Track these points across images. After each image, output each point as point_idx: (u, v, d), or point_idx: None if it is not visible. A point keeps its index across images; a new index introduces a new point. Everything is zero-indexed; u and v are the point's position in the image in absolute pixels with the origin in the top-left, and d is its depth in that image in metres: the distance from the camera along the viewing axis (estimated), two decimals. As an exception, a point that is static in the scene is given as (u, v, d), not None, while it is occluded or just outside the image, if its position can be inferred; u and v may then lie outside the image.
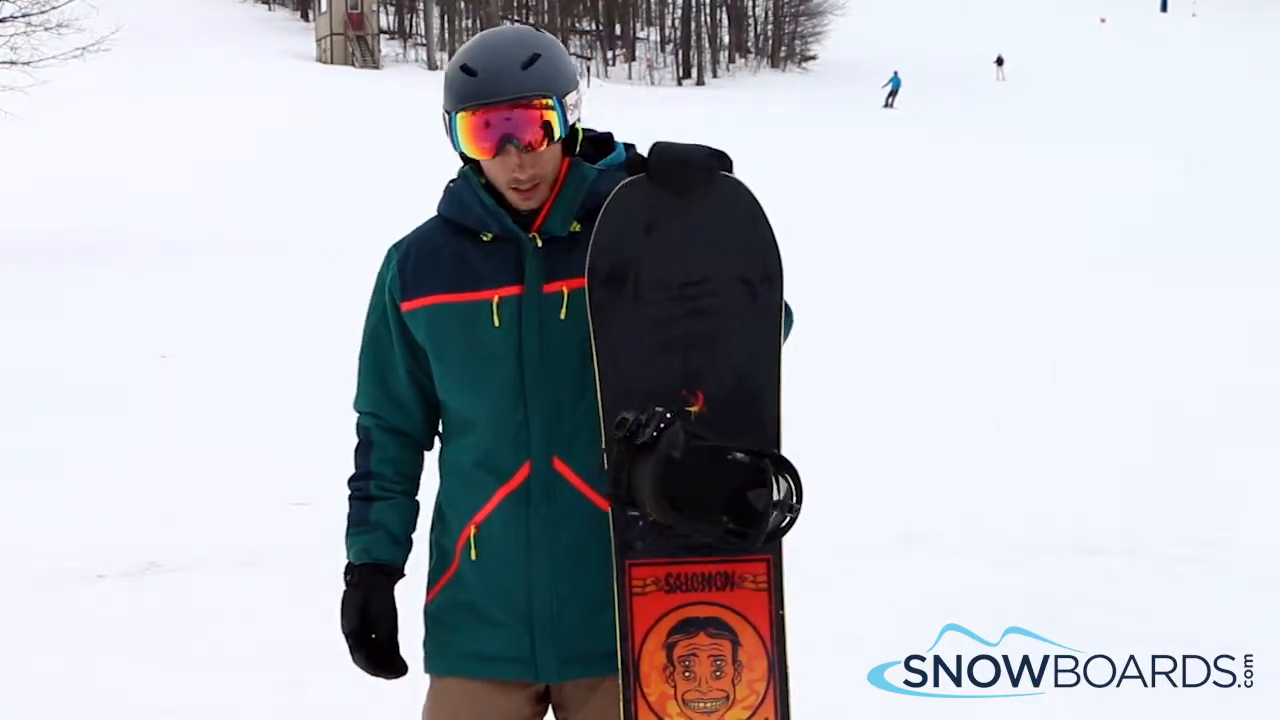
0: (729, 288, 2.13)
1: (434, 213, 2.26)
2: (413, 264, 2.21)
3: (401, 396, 2.26)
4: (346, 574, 2.26)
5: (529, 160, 2.09)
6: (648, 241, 2.11)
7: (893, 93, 41.71)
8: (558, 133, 2.09)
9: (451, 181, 2.23)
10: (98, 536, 5.65)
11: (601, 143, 2.26)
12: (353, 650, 2.22)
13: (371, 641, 2.22)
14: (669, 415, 1.97)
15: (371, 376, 2.29)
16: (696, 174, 2.11)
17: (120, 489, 6.49)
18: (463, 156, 2.18)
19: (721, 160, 2.13)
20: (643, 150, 2.21)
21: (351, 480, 2.30)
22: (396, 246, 2.25)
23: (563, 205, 2.15)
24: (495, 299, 2.14)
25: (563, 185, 2.15)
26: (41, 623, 4.71)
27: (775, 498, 1.97)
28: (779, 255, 2.16)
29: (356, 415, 2.34)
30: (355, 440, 2.32)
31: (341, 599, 2.24)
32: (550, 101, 2.08)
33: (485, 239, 2.17)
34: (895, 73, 42.97)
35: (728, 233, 2.13)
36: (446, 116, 2.12)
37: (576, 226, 2.14)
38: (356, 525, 2.27)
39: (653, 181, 2.10)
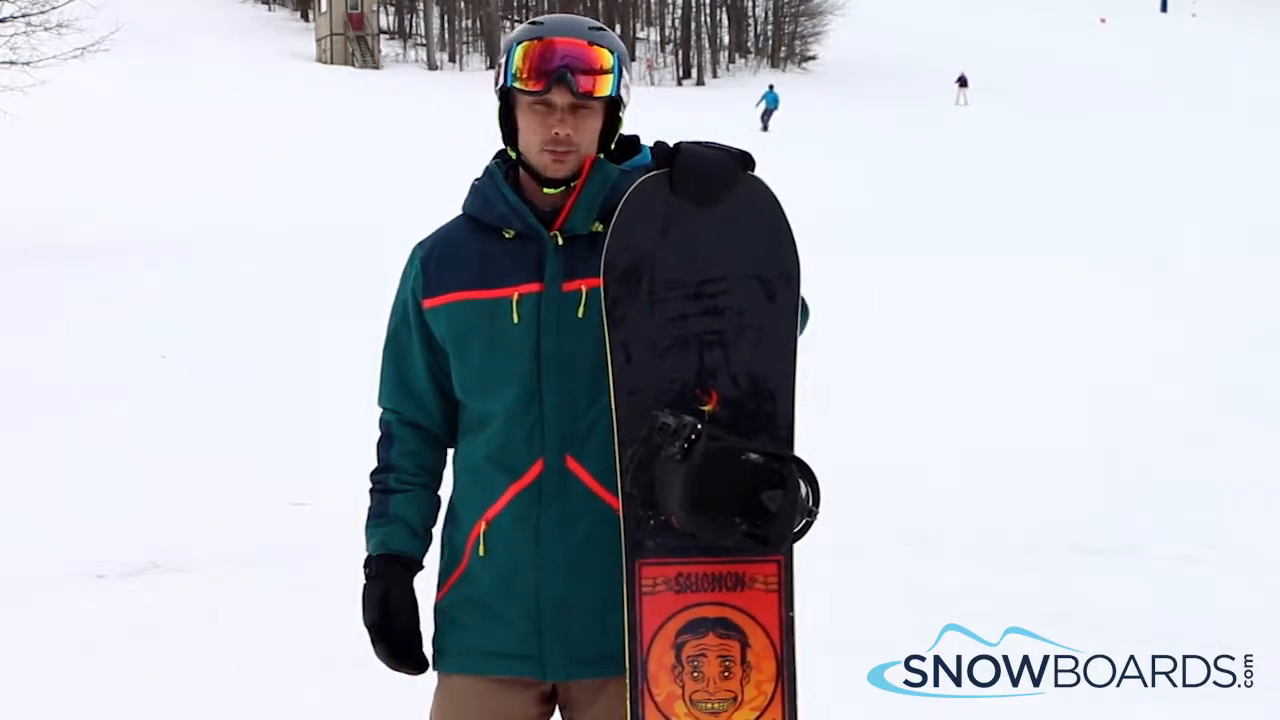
0: (746, 286, 2.12)
1: (446, 212, 2.29)
2: (436, 262, 2.22)
3: (421, 393, 2.27)
4: (365, 566, 2.27)
5: (572, 119, 2.11)
6: (665, 239, 2.10)
7: (768, 112, 34.93)
8: (610, 87, 2.12)
9: (477, 180, 2.25)
10: (98, 536, 5.65)
11: (626, 144, 2.26)
12: (374, 643, 2.23)
13: (393, 634, 2.22)
14: (699, 426, 1.97)
15: (392, 373, 2.30)
16: (721, 189, 2.11)
17: (120, 489, 6.49)
18: (503, 117, 2.18)
19: (745, 162, 2.13)
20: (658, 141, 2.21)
21: (372, 474, 2.32)
22: (421, 245, 2.27)
23: (584, 203, 2.15)
24: (515, 296, 2.15)
25: (585, 183, 2.15)
26: (41, 623, 4.71)
27: (793, 500, 1.97)
28: (797, 254, 2.15)
29: (379, 420, 2.35)
30: (379, 438, 2.33)
31: (362, 592, 2.25)
32: (611, 58, 2.12)
33: (508, 236, 2.18)
34: (770, 87, 37.49)
35: (746, 231, 2.12)
36: (504, 58, 2.14)
37: (598, 226, 2.15)
38: (376, 517, 2.28)
39: (675, 191, 2.10)
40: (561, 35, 2.11)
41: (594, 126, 2.15)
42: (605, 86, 2.11)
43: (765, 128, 33.70)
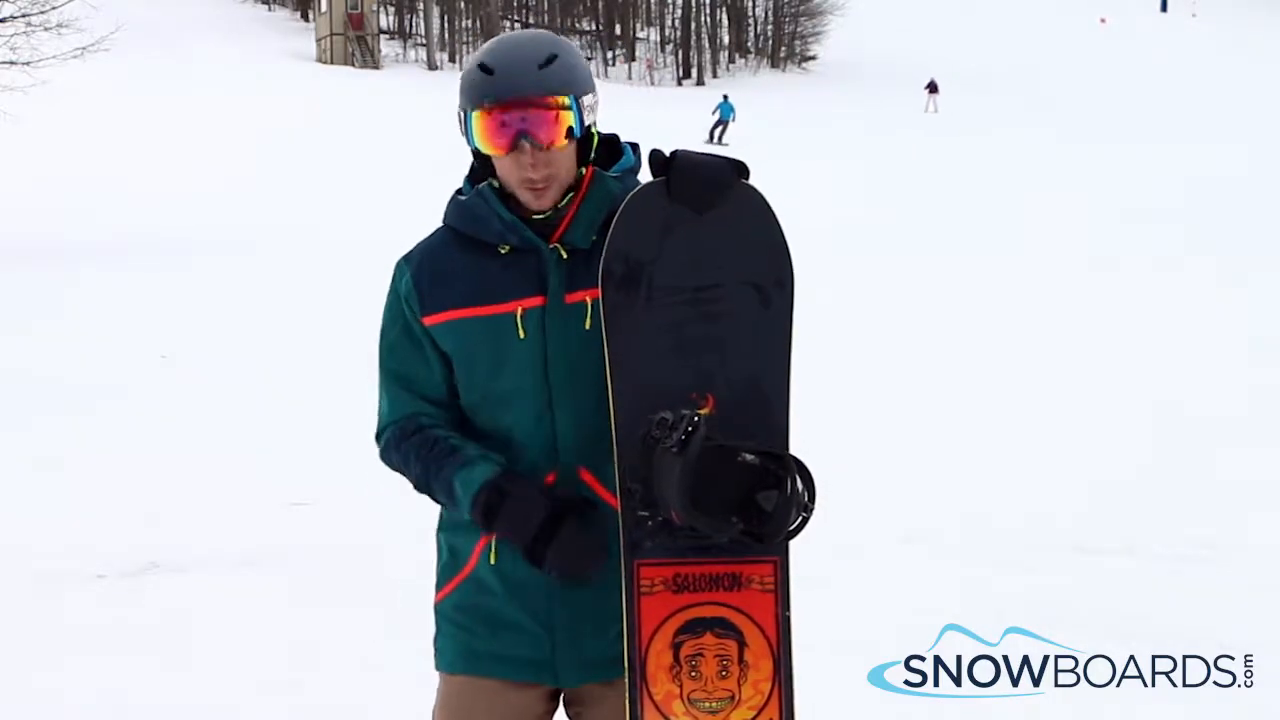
0: (741, 292, 2.13)
1: (435, 220, 2.25)
2: (429, 277, 2.19)
3: (439, 399, 2.23)
4: (485, 493, 2.09)
5: (543, 159, 2.09)
6: (661, 245, 2.12)
7: (721, 123, 32.40)
8: (573, 130, 2.10)
9: (458, 192, 2.22)
10: (98, 536, 5.65)
11: (609, 144, 2.26)
12: (555, 539, 2.06)
13: (567, 510, 2.08)
14: (696, 418, 1.98)
15: (401, 391, 2.23)
16: (717, 194, 2.12)
17: (120, 489, 6.49)
18: (476, 155, 2.18)
19: (740, 171, 2.14)
20: (643, 147, 2.21)
21: (421, 451, 2.18)
22: (407, 260, 2.23)
23: (585, 217, 2.15)
24: (519, 311, 2.13)
25: (585, 196, 2.15)
26: (41, 623, 4.71)
27: (790, 498, 1.98)
28: (790, 261, 2.17)
29: (386, 431, 2.24)
30: (395, 444, 2.22)
31: (502, 513, 2.08)
32: (567, 101, 2.09)
33: (503, 251, 2.16)
34: (725, 97, 34.59)
35: (741, 238, 2.14)
36: (462, 114, 2.12)
37: (595, 236, 2.14)
38: (464, 465, 2.13)
39: (672, 197, 2.11)
40: (511, 95, 2.06)
41: (568, 157, 2.13)
42: (564, 134, 2.09)
43: (716, 140, 31.43)
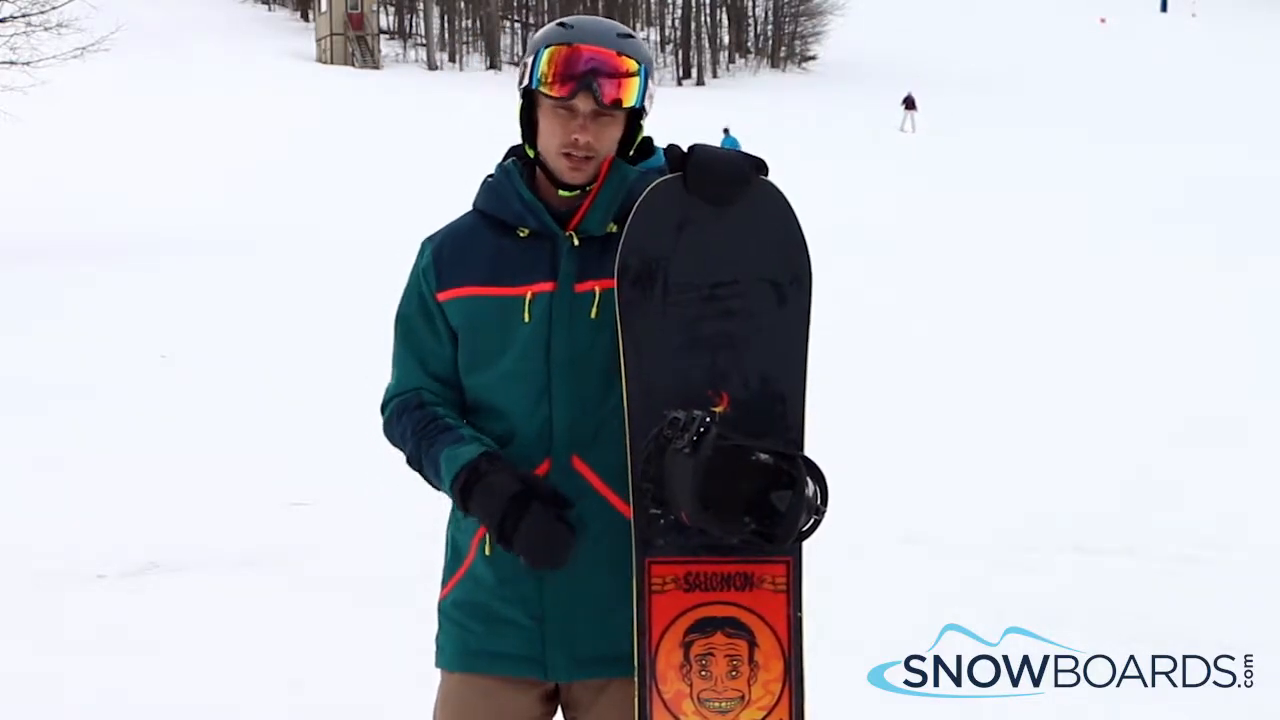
0: (757, 289, 2.13)
1: (445, 211, 2.27)
2: (448, 255, 2.21)
3: (446, 376, 2.23)
4: (465, 473, 2.09)
5: (593, 126, 2.10)
6: (678, 241, 2.11)
7: None
8: (634, 98, 2.11)
9: (489, 176, 2.24)
10: (98, 536, 5.65)
11: (641, 146, 2.26)
12: (522, 522, 2.04)
13: (536, 496, 2.05)
14: (708, 420, 1.98)
15: (411, 363, 2.25)
16: (735, 189, 2.12)
17: (120, 489, 6.49)
18: (524, 124, 2.17)
19: (758, 168, 2.14)
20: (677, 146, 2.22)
21: (416, 429, 2.19)
22: (430, 239, 2.26)
23: (601, 204, 2.15)
24: (528, 295, 2.14)
25: (603, 184, 2.15)
26: (41, 623, 4.71)
27: (802, 499, 1.97)
28: (809, 258, 2.16)
29: (392, 403, 2.25)
30: (396, 417, 2.23)
31: (475, 494, 2.07)
32: (637, 67, 2.11)
33: (522, 235, 2.17)
34: (726, 130, 29.43)
35: (758, 235, 2.13)
36: (530, 59, 2.13)
37: (613, 227, 2.15)
38: (453, 444, 2.14)
39: (689, 190, 2.11)
40: (590, 42, 2.10)
41: (614, 135, 2.15)
42: (630, 97, 2.11)
43: None
